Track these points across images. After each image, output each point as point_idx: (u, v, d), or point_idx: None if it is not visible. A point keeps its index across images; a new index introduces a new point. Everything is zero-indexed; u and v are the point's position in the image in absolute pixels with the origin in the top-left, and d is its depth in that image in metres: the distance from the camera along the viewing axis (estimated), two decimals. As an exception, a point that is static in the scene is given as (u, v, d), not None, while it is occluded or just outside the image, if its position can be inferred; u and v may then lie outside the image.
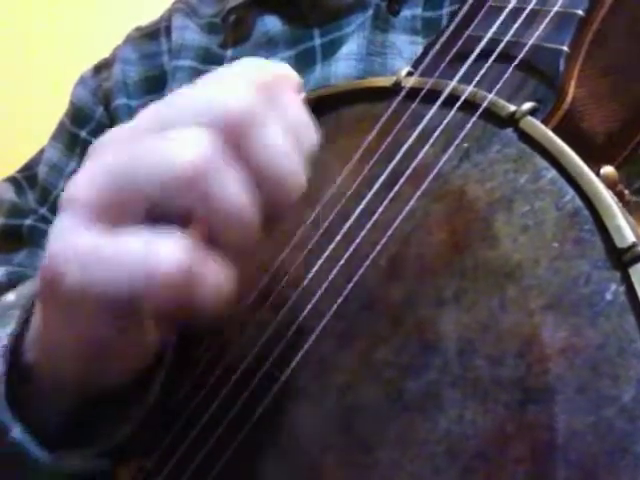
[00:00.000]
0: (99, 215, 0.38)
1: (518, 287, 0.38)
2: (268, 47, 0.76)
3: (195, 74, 0.77)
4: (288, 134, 0.40)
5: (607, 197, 0.37)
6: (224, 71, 0.42)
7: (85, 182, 0.39)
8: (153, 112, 0.41)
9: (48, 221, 0.76)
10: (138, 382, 0.45)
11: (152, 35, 0.82)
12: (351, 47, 0.71)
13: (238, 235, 0.38)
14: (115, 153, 0.39)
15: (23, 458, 0.44)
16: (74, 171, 0.77)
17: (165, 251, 0.36)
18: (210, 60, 0.78)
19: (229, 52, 0.78)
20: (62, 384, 0.44)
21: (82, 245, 0.38)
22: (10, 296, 0.49)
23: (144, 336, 0.42)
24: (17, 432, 0.44)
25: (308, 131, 0.42)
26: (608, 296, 0.35)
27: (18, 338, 0.45)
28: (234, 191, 0.38)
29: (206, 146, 0.37)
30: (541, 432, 0.35)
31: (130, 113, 0.78)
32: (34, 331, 0.45)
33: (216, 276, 0.38)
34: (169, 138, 0.38)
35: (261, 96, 0.39)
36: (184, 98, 0.40)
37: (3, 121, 1.58)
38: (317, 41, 0.74)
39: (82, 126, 0.80)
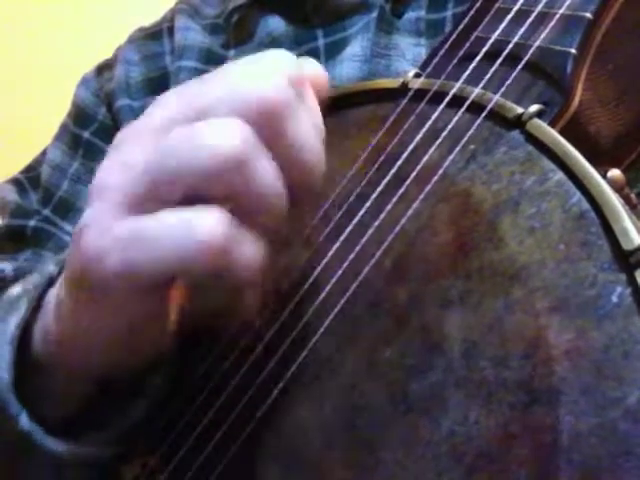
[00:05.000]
0: (134, 203, 0.39)
1: (524, 289, 0.38)
2: (271, 47, 0.75)
3: (198, 75, 0.77)
4: (314, 126, 0.41)
5: (614, 200, 0.37)
6: (257, 59, 0.42)
7: (118, 170, 0.40)
8: (184, 100, 0.41)
9: (51, 222, 0.76)
10: (144, 375, 0.46)
11: (155, 36, 0.82)
12: (355, 48, 0.70)
13: (270, 217, 0.40)
14: (149, 141, 0.40)
15: (31, 446, 0.44)
16: (77, 172, 0.77)
17: (205, 223, 0.37)
18: (213, 61, 0.78)
19: (232, 52, 0.78)
20: (74, 374, 0.44)
21: (120, 229, 0.39)
22: (16, 288, 0.49)
23: (167, 323, 0.43)
24: (25, 421, 0.44)
25: (320, 120, 0.43)
26: (614, 298, 0.35)
27: (26, 328, 0.46)
28: (269, 176, 0.39)
29: (244, 134, 0.38)
30: (545, 433, 0.35)
31: (133, 114, 0.78)
32: (45, 321, 0.45)
33: (252, 247, 0.39)
34: (207, 126, 0.38)
35: (294, 89, 0.40)
36: (217, 85, 0.41)
37: (5, 122, 1.58)
38: (321, 42, 0.73)
39: (85, 127, 0.80)
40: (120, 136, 0.42)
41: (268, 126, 0.39)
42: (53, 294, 0.46)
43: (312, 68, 0.44)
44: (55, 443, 0.45)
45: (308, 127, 0.41)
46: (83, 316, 0.42)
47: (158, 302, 0.41)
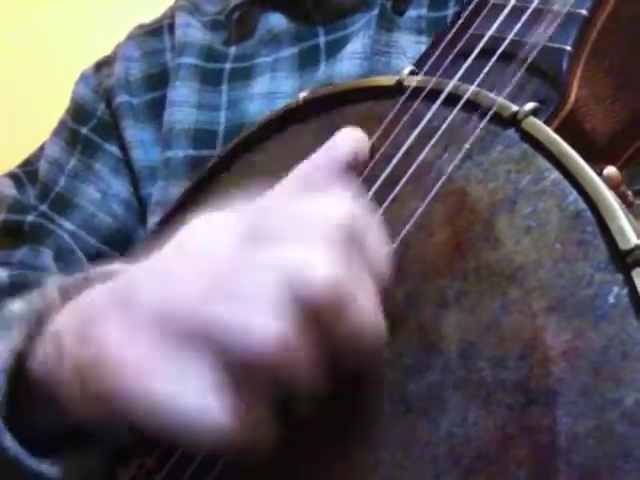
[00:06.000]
0: (168, 352, 0.37)
1: (520, 289, 0.38)
2: (272, 44, 0.75)
3: (198, 71, 0.77)
4: (371, 293, 0.38)
5: (610, 199, 0.37)
6: (309, 225, 0.38)
7: (160, 314, 0.38)
8: (239, 254, 0.38)
9: (49, 218, 0.76)
10: None
11: (155, 32, 0.82)
12: (356, 46, 0.70)
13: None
14: (196, 291, 0.38)
15: (20, 470, 0.44)
16: (74, 168, 0.77)
17: (218, 410, 0.36)
18: (213, 58, 0.78)
19: (232, 49, 0.78)
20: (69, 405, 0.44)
21: (141, 383, 0.37)
22: (16, 305, 0.48)
23: None
24: (10, 445, 0.44)
25: (383, 258, 0.40)
26: (611, 299, 0.35)
27: (21, 354, 0.45)
28: (307, 370, 0.37)
29: (290, 324, 0.35)
30: (543, 435, 0.34)
31: (132, 110, 0.78)
32: (47, 358, 0.44)
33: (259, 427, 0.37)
34: (253, 307, 0.36)
35: (348, 265, 0.37)
36: (267, 260, 0.37)
37: (4, 118, 1.58)
38: (322, 39, 0.73)
39: (83, 123, 0.80)
40: (168, 256, 0.40)
41: (319, 317, 0.36)
42: (56, 327, 0.45)
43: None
44: (42, 465, 0.44)
45: (365, 307, 0.37)
46: (81, 393, 0.41)
47: None
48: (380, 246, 0.40)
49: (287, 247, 0.37)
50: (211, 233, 0.40)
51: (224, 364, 0.36)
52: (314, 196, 0.40)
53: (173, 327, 0.37)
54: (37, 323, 0.46)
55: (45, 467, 0.45)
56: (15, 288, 0.53)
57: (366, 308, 0.37)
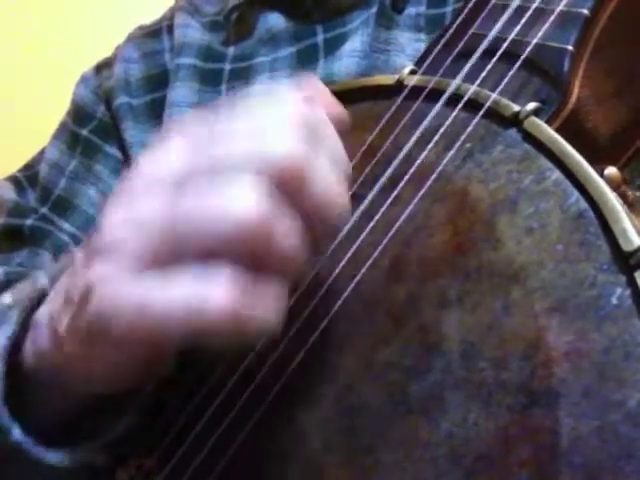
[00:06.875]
0: (148, 263, 0.38)
1: (522, 289, 0.38)
2: (270, 44, 0.75)
3: (197, 72, 0.77)
4: (334, 167, 0.40)
5: (612, 200, 0.37)
6: (265, 104, 0.41)
7: (130, 227, 0.39)
8: (197, 148, 0.40)
9: (49, 220, 0.76)
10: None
11: (154, 34, 0.82)
12: (354, 44, 0.70)
13: (290, 269, 0.39)
14: (162, 196, 0.39)
15: (23, 457, 0.44)
16: (75, 170, 0.77)
17: (217, 293, 0.37)
18: (212, 58, 0.78)
19: (231, 49, 0.78)
20: (65, 391, 0.44)
21: (130, 296, 0.38)
22: (6, 297, 0.49)
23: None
24: (17, 433, 0.44)
25: (343, 155, 0.42)
26: (614, 300, 0.35)
27: (17, 340, 0.45)
28: (291, 238, 0.38)
29: (262, 197, 0.37)
30: (545, 436, 0.34)
31: (132, 111, 0.78)
32: (39, 341, 0.45)
33: (267, 304, 0.38)
34: (226, 188, 0.37)
35: (309, 136, 0.39)
36: (229, 140, 0.39)
37: (4, 120, 1.58)
38: (320, 37, 0.73)
39: (83, 125, 0.80)
40: (128, 184, 0.41)
41: (287, 185, 0.38)
42: (45, 312, 0.45)
43: (318, 89, 0.43)
44: (47, 453, 0.45)
45: (327, 175, 0.39)
46: (82, 356, 0.42)
47: (161, 350, 0.42)
48: (337, 142, 0.42)
49: (245, 134, 0.39)
50: (166, 146, 0.41)
51: (210, 255, 0.37)
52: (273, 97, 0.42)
53: (154, 234, 0.38)
54: (29, 310, 0.46)
55: (57, 456, 0.45)
56: (10, 285, 0.53)
57: (327, 180, 0.39)
